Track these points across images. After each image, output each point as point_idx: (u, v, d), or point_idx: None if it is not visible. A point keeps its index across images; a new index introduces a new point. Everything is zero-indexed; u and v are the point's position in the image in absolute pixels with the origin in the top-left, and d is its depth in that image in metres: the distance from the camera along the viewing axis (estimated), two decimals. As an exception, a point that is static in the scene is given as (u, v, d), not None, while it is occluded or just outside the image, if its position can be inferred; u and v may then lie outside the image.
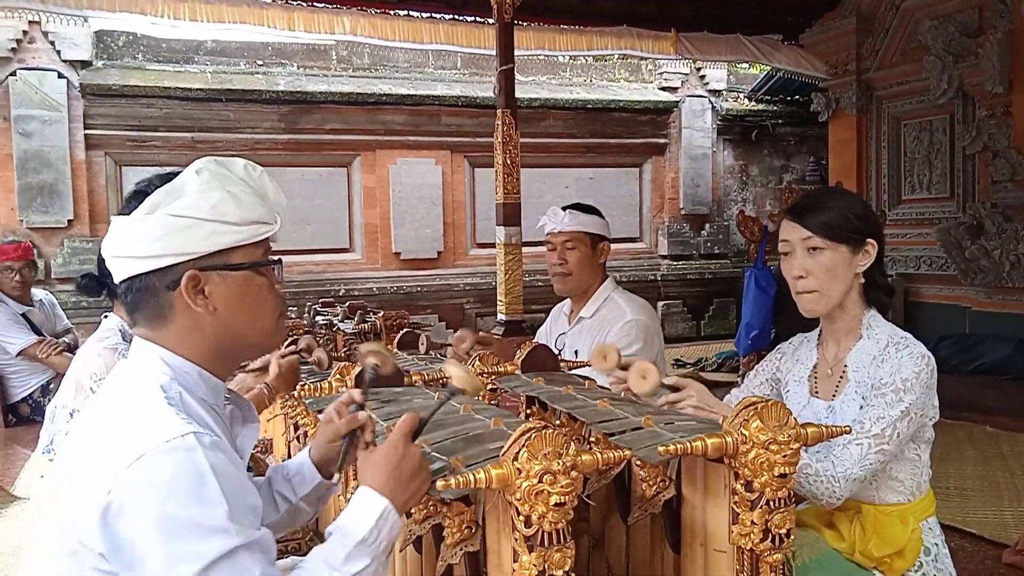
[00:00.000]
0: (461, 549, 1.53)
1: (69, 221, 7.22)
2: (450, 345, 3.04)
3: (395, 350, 2.98)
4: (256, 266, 1.37)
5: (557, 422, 2.03)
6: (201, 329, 1.35)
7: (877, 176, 8.08)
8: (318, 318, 4.49)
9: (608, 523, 1.96)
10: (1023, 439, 4.15)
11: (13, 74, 7.04)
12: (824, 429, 1.58)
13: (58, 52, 7.18)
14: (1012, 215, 6.56)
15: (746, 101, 10.21)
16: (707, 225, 9.85)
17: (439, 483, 1.35)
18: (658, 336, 3.09)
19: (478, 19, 7.01)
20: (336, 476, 1.55)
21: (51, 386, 5.24)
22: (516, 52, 6.47)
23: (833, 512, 2.07)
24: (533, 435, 1.34)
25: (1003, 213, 6.61)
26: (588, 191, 9.20)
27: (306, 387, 2.13)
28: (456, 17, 7.05)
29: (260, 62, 8.22)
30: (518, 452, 1.33)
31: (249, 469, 1.63)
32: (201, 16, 6.30)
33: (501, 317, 6.39)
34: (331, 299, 5.35)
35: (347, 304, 4.44)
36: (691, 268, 9.71)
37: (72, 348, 5.33)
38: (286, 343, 2.82)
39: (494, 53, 6.23)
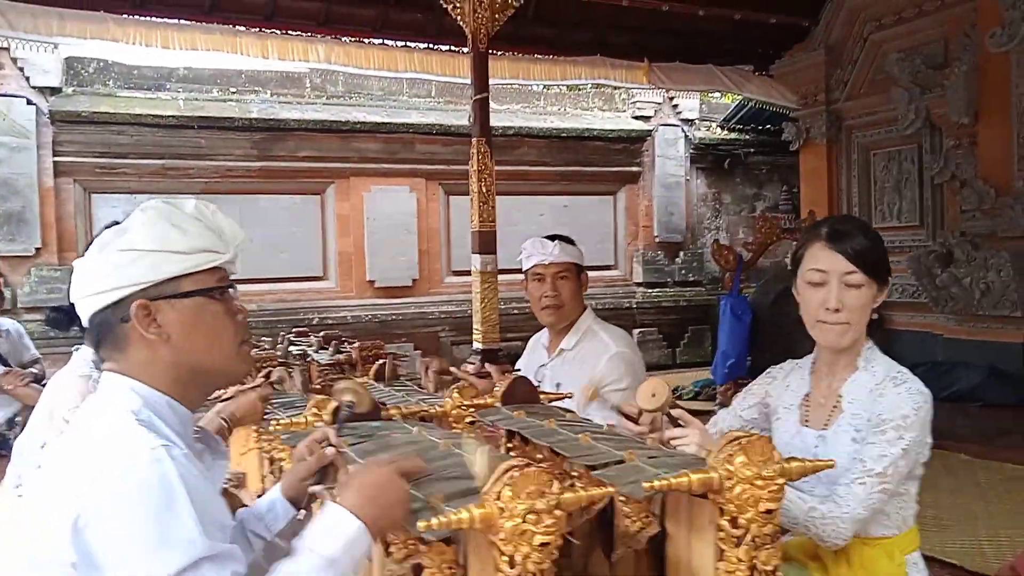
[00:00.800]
0: (442, 591, 1.49)
1: (37, 249, 7.12)
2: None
3: (371, 381, 2.94)
4: (205, 292, 1.38)
5: (539, 456, 2.00)
6: (160, 358, 1.36)
7: (848, 205, 8.19)
8: (292, 348, 4.42)
9: (590, 560, 1.92)
10: (997, 467, 4.19)
11: (-19, 100, 6.95)
12: (807, 463, 1.57)
13: (27, 78, 7.12)
14: (980, 243, 6.66)
15: (718, 130, 10.34)
16: (681, 253, 9.91)
17: (420, 524, 1.31)
18: (640, 366, 3.08)
19: (453, 48, 7.04)
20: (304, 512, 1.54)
21: (17, 419, 5.11)
22: (491, 81, 6.51)
23: (818, 545, 2.05)
24: (516, 473, 1.31)
25: (971, 242, 6.71)
26: (563, 219, 9.22)
27: (282, 421, 2.08)
28: (431, 46, 7.09)
29: (233, 89, 8.18)
30: (500, 491, 1.30)
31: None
32: (174, 44, 6.27)
33: (477, 345, 6.35)
34: (305, 328, 5.27)
35: (322, 334, 4.37)
36: (666, 296, 9.75)
37: (39, 379, 5.22)
38: (260, 374, 2.78)
39: (469, 82, 6.24)
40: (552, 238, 3.09)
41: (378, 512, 1.34)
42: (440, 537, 1.46)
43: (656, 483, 1.46)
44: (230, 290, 1.42)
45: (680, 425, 1.87)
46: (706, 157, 10.17)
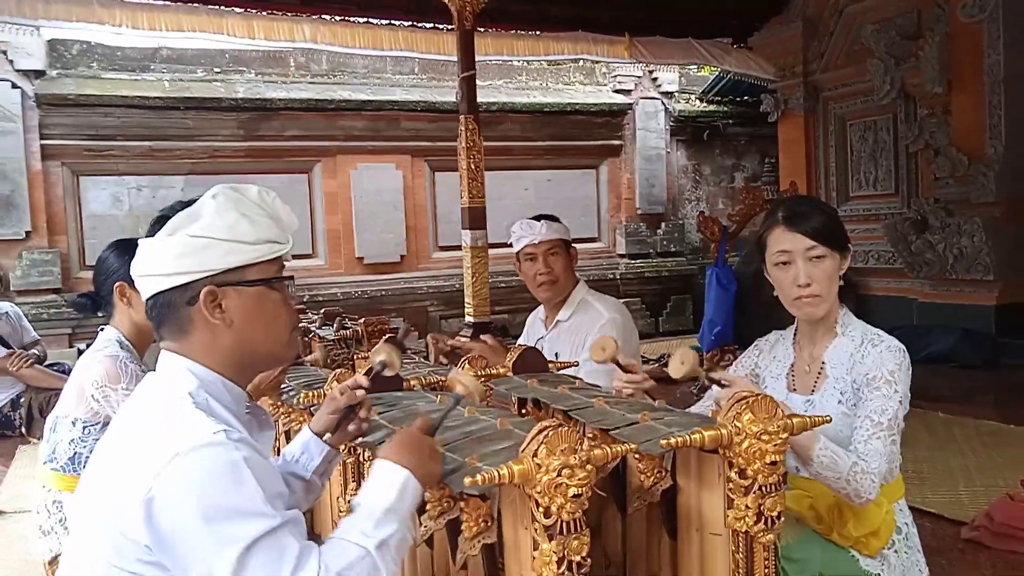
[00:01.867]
0: (479, 541, 1.64)
1: (27, 233, 7.13)
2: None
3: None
4: (269, 282, 1.46)
5: (552, 420, 2.15)
6: (220, 341, 1.43)
7: (826, 174, 8.37)
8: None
9: (604, 515, 2.07)
10: (972, 423, 4.39)
11: (-35, 85, 6.94)
12: (807, 419, 1.73)
13: (11, 62, 7.09)
14: (954, 210, 6.87)
15: (697, 102, 10.46)
16: (663, 224, 10.07)
17: (466, 479, 1.45)
18: (633, 331, 3.23)
19: (437, 26, 7.09)
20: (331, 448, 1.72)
21: (21, 400, 5.20)
22: (476, 58, 6.58)
23: (814, 497, 2.21)
24: (550, 433, 1.45)
25: (945, 208, 6.91)
26: (547, 192, 9.35)
27: (304, 394, 2.22)
28: (416, 24, 7.12)
29: (218, 69, 8.19)
30: (537, 449, 1.45)
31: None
32: (159, 25, 6.27)
33: (469, 319, 6.48)
34: (301, 306, 5.38)
35: (322, 311, 4.49)
36: (648, 266, 9.92)
37: (41, 360, 5.30)
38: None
39: (454, 59, 6.31)
40: (538, 218, 3.23)
41: (419, 462, 1.47)
42: (476, 493, 1.61)
43: (672, 440, 1.61)
44: (292, 280, 1.51)
45: (724, 384, 1.96)
46: (686, 129, 10.30)
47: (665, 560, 1.86)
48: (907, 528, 2.21)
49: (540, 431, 1.46)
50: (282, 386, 2.60)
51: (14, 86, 7.06)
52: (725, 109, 10.45)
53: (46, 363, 5.34)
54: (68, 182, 7.43)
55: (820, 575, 2.07)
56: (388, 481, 1.42)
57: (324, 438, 1.74)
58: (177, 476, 1.24)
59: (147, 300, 1.46)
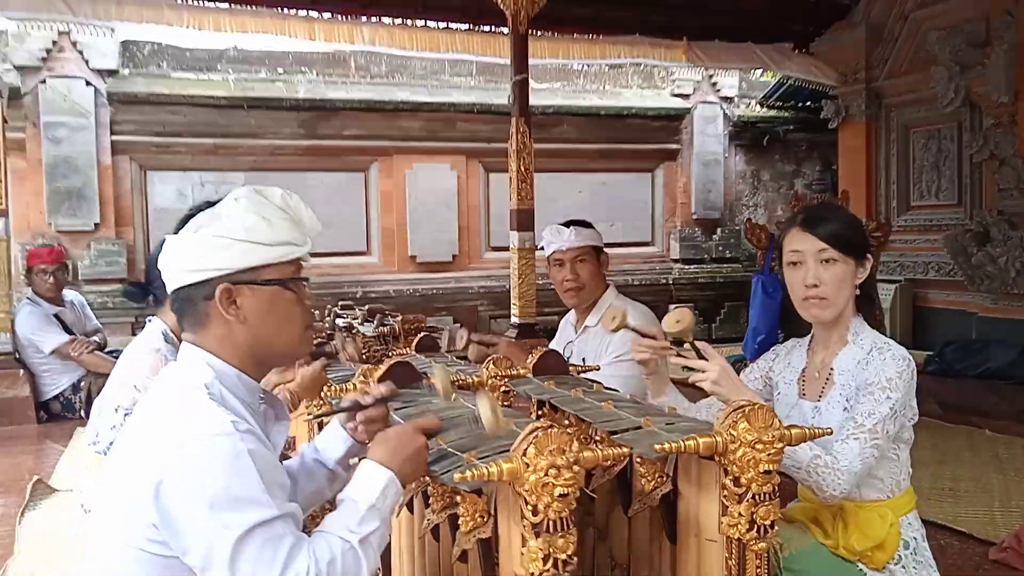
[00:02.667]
0: (474, 536, 1.69)
1: (96, 225, 7.43)
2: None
3: (413, 352, 3.16)
4: (283, 282, 1.53)
5: (566, 422, 2.19)
6: (234, 336, 1.52)
7: (886, 183, 8.19)
8: (338, 320, 4.65)
9: (611, 517, 2.11)
10: (1019, 443, 4.26)
11: (43, 82, 7.26)
12: (807, 431, 1.74)
13: (86, 61, 7.39)
14: (1017, 223, 6.67)
15: (758, 107, 10.33)
16: (719, 229, 9.97)
17: (456, 475, 1.51)
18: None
19: (493, 29, 7.18)
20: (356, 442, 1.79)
21: (82, 384, 5.45)
22: (530, 61, 6.64)
23: (818, 509, 2.22)
24: (540, 433, 1.50)
25: (1009, 220, 6.71)
26: (601, 196, 9.35)
27: (332, 388, 2.30)
28: (472, 27, 7.22)
29: (281, 70, 8.42)
30: (527, 448, 1.50)
31: (282, 459, 1.81)
32: (224, 27, 6.51)
33: (515, 320, 6.56)
34: (349, 302, 5.51)
35: (366, 307, 4.60)
36: (703, 272, 9.83)
37: (102, 347, 5.54)
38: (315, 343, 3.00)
39: (509, 62, 6.39)
40: (568, 224, 3.27)
41: (402, 461, 1.54)
42: (473, 489, 1.67)
43: (667, 445, 1.64)
44: (303, 282, 1.57)
45: (703, 357, 2.02)
46: (745, 134, 10.18)
47: (666, 564, 1.89)
48: (916, 543, 2.19)
49: (531, 432, 1.51)
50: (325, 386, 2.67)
51: (88, 84, 7.36)
52: (786, 114, 10.29)
53: (106, 350, 5.58)
54: (136, 176, 7.73)
55: (825, 587, 2.07)
56: (373, 481, 1.49)
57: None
58: (185, 463, 1.33)
59: (171, 293, 1.56)
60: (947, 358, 6.32)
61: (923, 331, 7.56)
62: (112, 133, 7.53)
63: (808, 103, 9.89)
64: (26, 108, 7.24)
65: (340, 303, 5.42)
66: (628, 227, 9.52)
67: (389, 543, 2.09)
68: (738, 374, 2.50)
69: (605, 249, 3.34)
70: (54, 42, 7.27)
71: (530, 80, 6.35)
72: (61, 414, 5.51)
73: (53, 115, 7.25)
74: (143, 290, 2.59)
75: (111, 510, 1.43)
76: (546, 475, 1.48)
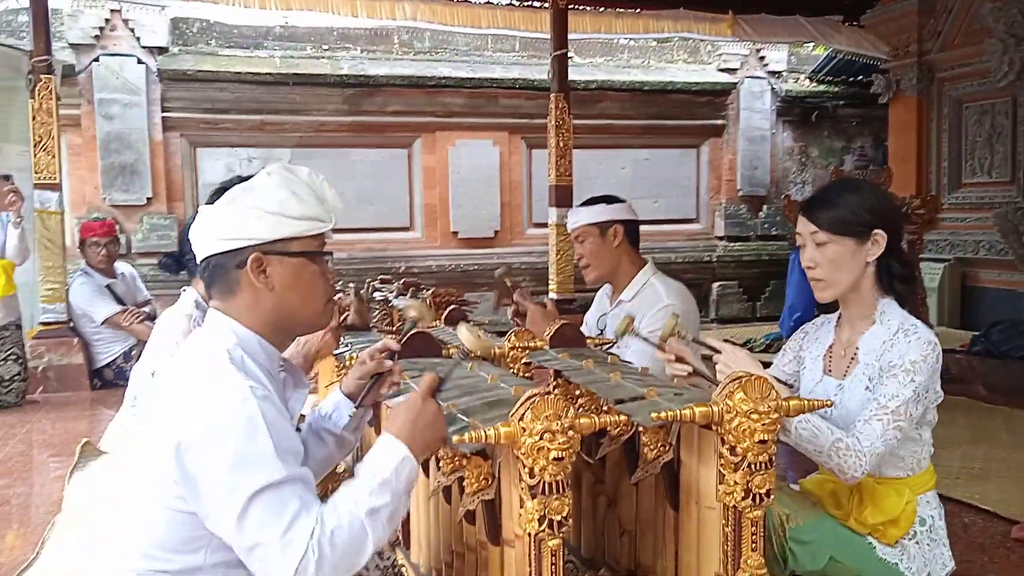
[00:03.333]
0: (479, 497, 1.76)
1: (148, 199, 7.66)
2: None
3: (442, 325, 3.24)
4: (310, 255, 1.61)
5: (578, 392, 2.25)
6: (262, 304, 1.60)
7: (937, 159, 7.99)
8: (375, 294, 4.76)
9: (620, 485, 2.16)
10: (1060, 424, 4.20)
11: (96, 60, 7.47)
12: (806, 402, 1.76)
13: (137, 39, 7.58)
14: (1071, 200, 6.48)
15: (807, 82, 10.14)
16: (764, 207, 9.85)
17: (455, 437, 1.57)
18: (693, 318, 3.24)
19: (535, 4, 7.16)
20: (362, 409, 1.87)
21: (132, 352, 5.65)
22: (572, 36, 6.62)
23: (836, 483, 2.23)
24: (537, 399, 1.55)
25: (1062, 198, 6.53)
26: (644, 172, 9.30)
27: (354, 355, 2.39)
28: (513, 2, 7.22)
29: (325, 47, 8.52)
30: (524, 413, 1.55)
31: (298, 429, 1.90)
32: (270, 4, 6.60)
33: (552, 296, 6.60)
34: (389, 276, 5.61)
35: (401, 281, 4.69)
36: (748, 250, 9.74)
37: (152, 317, 5.73)
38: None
39: (549, 38, 6.38)
40: (581, 204, 3.31)
41: (417, 435, 1.58)
42: (477, 452, 1.73)
43: (664, 414, 1.68)
44: (331, 255, 1.65)
45: (715, 350, 2.05)
46: (793, 110, 10.01)
47: (669, 530, 1.94)
48: (932, 521, 2.19)
49: (528, 398, 1.56)
50: (335, 351, 2.77)
51: (139, 61, 7.55)
52: (836, 89, 10.09)
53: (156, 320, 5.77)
54: (186, 152, 7.93)
55: (831, 559, 2.09)
56: (388, 456, 1.54)
57: (355, 399, 1.89)
58: (204, 425, 1.41)
59: (201, 261, 1.64)
60: (992, 338, 6.18)
61: (971, 311, 7.40)
62: (163, 110, 7.73)
63: (859, 77, 9.67)
64: (81, 85, 7.47)
65: (380, 277, 5.53)
66: (672, 204, 9.46)
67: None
68: (778, 350, 2.55)
69: (618, 220, 3.27)
70: (106, 20, 7.47)
71: (573, 55, 6.35)
72: (113, 381, 5.72)
73: (106, 92, 7.46)
74: (177, 262, 2.70)
75: (139, 469, 1.53)
76: (541, 439, 1.54)
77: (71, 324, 5.76)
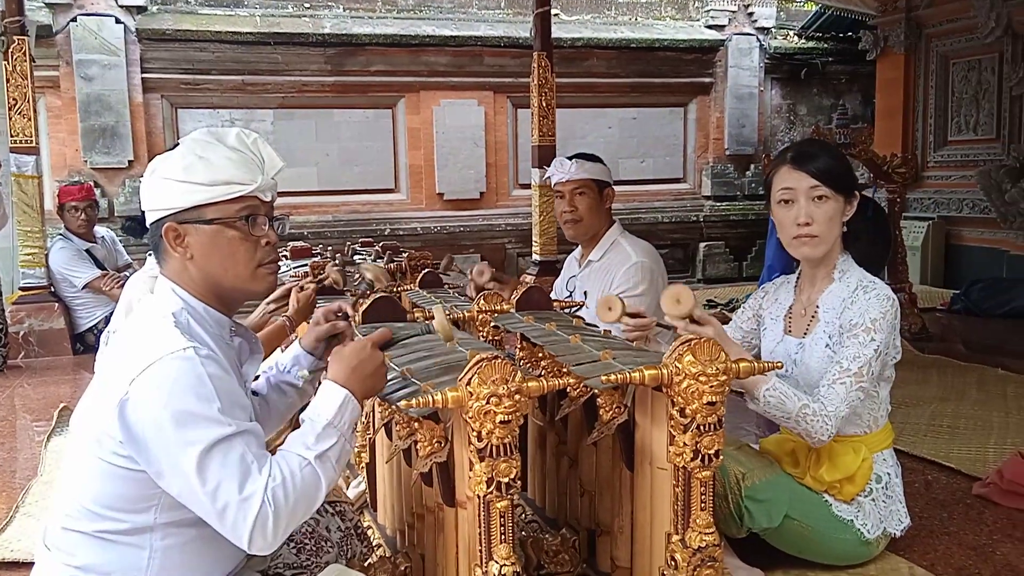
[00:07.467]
0: (432, 460, 1.78)
1: (129, 162, 7.58)
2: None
3: (416, 288, 3.24)
4: (223, 221, 1.57)
5: (541, 355, 2.26)
6: (188, 272, 1.60)
7: (924, 116, 7.96)
8: (355, 256, 4.76)
9: (581, 445, 2.19)
10: (1028, 381, 4.24)
11: (74, 20, 7.34)
12: (756, 364, 1.78)
13: (115, -2, 7.47)
14: (1055, 158, 6.47)
15: (796, 39, 10.04)
16: (752, 166, 9.80)
17: (403, 402, 1.59)
18: (662, 277, 3.26)
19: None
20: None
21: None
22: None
23: (796, 442, 2.26)
24: (484, 364, 1.57)
25: (1046, 156, 6.52)
26: (631, 131, 9.24)
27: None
28: (496, -41, 7.10)
29: (307, 5, 8.40)
30: (471, 378, 1.56)
31: (256, 394, 1.91)
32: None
33: (536, 257, 6.61)
34: (370, 239, 5.61)
35: (379, 244, 4.69)
36: (734, 209, 9.71)
37: (131, 282, 5.72)
38: (312, 279, 3.09)
39: (533, -6, 6.28)
40: (573, 157, 3.28)
41: (359, 378, 1.61)
42: (429, 415, 1.75)
43: (614, 376, 1.70)
44: (254, 219, 1.59)
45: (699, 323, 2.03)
46: (782, 67, 9.92)
47: (626, 490, 1.97)
48: (888, 478, 2.23)
49: (476, 363, 1.58)
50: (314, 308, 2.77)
51: (117, 21, 7.42)
52: (825, 46, 9.99)
53: (137, 284, 5.76)
54: (167, 114, 7.83)
55: (787, 516, 2.12)
56: (330, 400, 1.56)
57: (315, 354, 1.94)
58: (148, 382, 1.42)
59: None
60: (972, 297, 6.22)
61: (954, 269, 7.42)
62: (143, 71, 7.61)
63: (849, 34, 9.57)
64: (59, 46, 7.36)
65: (360, 240, 5.52)
66: (659, 163, 9.41)
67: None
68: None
69: (614, 186, 3.35)
70: (83, -21, 7.34)
71: (559, 13, 6.25)
72: (95, 345, 5.72)
73: (85, 53, 7.35)
74: (141, 225, 2.68)
75: (84, 427, 1.54)
76: (487, 403, 1.56)
77: (52, 289, 5.74)
